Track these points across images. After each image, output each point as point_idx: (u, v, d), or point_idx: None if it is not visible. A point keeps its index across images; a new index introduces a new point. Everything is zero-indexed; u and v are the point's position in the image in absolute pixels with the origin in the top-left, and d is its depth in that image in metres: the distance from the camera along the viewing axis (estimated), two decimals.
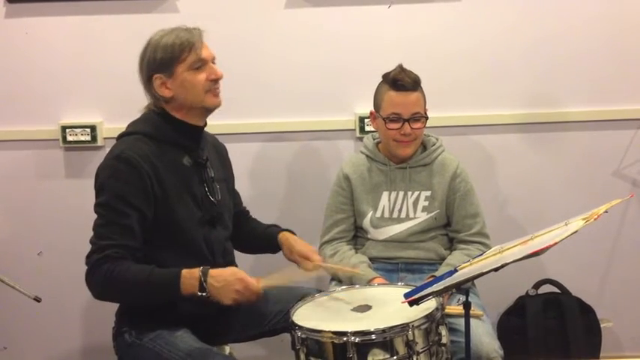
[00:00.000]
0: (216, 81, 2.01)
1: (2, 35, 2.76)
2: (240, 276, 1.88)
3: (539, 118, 2.77)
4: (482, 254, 1.82)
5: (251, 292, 1.87)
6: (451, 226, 2.40)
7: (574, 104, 2.77)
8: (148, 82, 2.00)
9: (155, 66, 1.97)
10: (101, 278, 1.85)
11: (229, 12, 2.73)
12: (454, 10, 2.73)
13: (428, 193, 2.37)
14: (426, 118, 2.33)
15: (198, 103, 2.00)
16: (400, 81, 2.28)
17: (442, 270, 2.26)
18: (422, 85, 2.33)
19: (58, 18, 2.74)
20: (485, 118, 2.78)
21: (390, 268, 2.36)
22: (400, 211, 2.38)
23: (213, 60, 2.03)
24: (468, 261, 1.79)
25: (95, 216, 1.92)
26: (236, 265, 2.19)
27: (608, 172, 2.81)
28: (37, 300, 2.12)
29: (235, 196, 2.32)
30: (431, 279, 1.99)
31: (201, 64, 1.98)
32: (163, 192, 1.95)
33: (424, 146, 2.43)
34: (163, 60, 1.96)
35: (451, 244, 2.42)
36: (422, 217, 2.37)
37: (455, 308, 2.09)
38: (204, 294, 1.84)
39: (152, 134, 1.99)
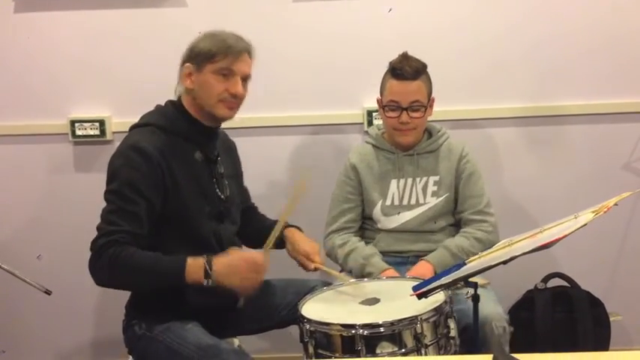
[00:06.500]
0: (234, 95, 2.00)
1: (11, 30, 2.77)
2: (243, 256, 1.90)
3: (549, 111, 2.76)
4: (491, 248, 1.82)
5: (257, 266, 1.87)
6: (457, 208, 2.40)
7: (584, 97, 2.75)
8: (181, 66, 2.03)
9: (191, 55, 2.01)
10: (106, 262, 1.86)
11: (237, 6, 2.73)
12: (463, 3, 2.71)
13: (436, 177, 2.37)
14: (426, 107, 2.32)
15: (209, 107, 2.01)
16: (399, 69, 2.28)
17: (437, 252, 2.28)
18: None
19: (67, 12, 2.75)
20: (494, 111, 2.76)
21: (400, 261, 2.36)
22: (410, 197, 2.38)
23: (245, 77, 2.03)
24: (476, 253, 1.79)
25: (104, 204, 1.93)
26: None
27: (618, 166, 2.79)
28: (48, 293, 2.14)
29: (244, 192, 2.33)
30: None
31: (228, 73, 1.98)
32: (174, 184, 1.95)
33: (429, 133, 2.43)
34: (200, 54, 1.99)
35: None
36: (432, 202, 2.37)
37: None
38: (209, 281, 1.85)
39: (165, 127, 2.00)
